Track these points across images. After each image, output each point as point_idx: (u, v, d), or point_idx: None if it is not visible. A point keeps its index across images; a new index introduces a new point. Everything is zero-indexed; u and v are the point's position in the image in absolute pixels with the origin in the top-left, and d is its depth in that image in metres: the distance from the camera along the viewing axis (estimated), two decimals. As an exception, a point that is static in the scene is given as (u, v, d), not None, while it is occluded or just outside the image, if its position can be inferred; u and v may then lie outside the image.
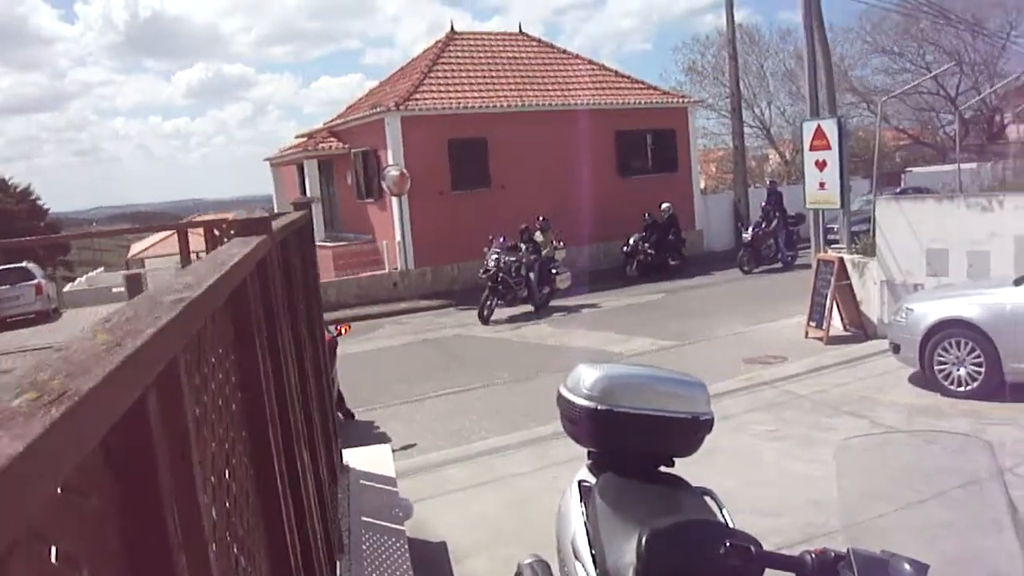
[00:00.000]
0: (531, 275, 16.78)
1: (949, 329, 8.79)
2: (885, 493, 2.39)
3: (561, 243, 17.94)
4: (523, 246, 17.12)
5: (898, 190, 24.38)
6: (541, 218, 18.02)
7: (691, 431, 3.44)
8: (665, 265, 20.77)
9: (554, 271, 17.26)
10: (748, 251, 20.38)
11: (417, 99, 20.34)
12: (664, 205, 21.06)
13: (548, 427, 8.54)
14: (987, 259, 10.73)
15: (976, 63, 38.78)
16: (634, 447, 3.42)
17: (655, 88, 25.26)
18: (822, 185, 12.91)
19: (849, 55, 38.95)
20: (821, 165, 12.86)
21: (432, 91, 20.93)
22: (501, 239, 17.01)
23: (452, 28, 23.71)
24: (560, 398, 3.58)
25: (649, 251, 20.67)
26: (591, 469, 3.49)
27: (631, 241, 20.72)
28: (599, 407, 3.36)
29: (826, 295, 12.21)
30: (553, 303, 17.41)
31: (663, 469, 3.45)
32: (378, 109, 20.12)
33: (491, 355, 13.57)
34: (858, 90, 39.24)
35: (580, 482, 3.41)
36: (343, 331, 9.33)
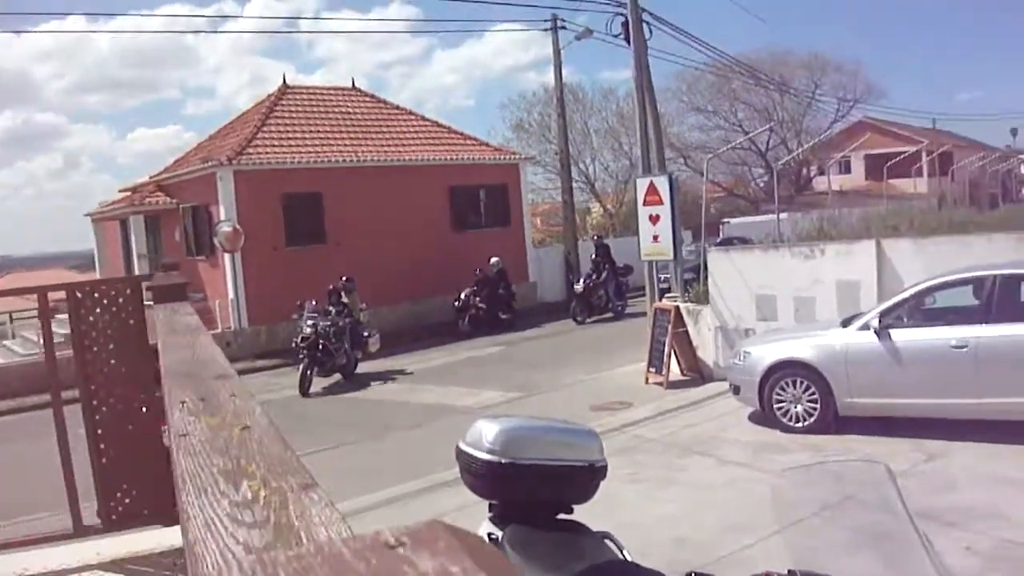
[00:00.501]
0: (345, 341, 15.86)
1: (785, 369, 9.38)
2: (813, 517, 2.56)
3: (364, 304, 17.25)
4: (332, 309, 16.09)
5: (719, 240, 25.84)
6: (345, 278, 17.01)
7: (589, 478, 3.54)
8: (497, 319, 20.97)
9: (365, 334, 16.48)
10: (580, 302, 20.97)
11: (250, 153, 19.93)
12: (493, 260, 21.27)
13: (408, 485, 8.50)
14: (812, 304, 11.53)
15: (784, 120, 42.07)
16: (537, 497, 3.49)
17: (487, 144, 25.84)
18: (656, 238, 13.55)
19: (667, 113, 41.24)
20: (654, 219, 13.51)
21: (266, 145, 20.58)
22: (312, 302, 15.96)
23: (284, 82, 23.47)
24: (460, 453, 3.59)
25: (480, 305, 20.78)
26: (494, 521, 3.52)
27: (462, 296, 20.73)
28: (502, 460, 3.40)
29: (664, 342, 12.75)
30: (380, 366, 16.82)
31: (562, 516, 3.53)
32: (210, 163, 19.55)
33: (337, 415, 13.32)
34: (676, 146, 41.55)
35: (489, 535, 3.43)
36: None
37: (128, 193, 23.94)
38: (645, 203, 13.63)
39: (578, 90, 40.56)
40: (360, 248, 20.55)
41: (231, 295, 19.29)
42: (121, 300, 5.52)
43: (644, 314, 20.86)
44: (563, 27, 24.52)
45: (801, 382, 9.29)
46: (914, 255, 10.88)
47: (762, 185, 42.29)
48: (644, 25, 14.58)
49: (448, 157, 23.36)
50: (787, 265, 11.82)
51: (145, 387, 5.52)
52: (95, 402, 5.04)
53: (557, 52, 24.93)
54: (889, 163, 34.18)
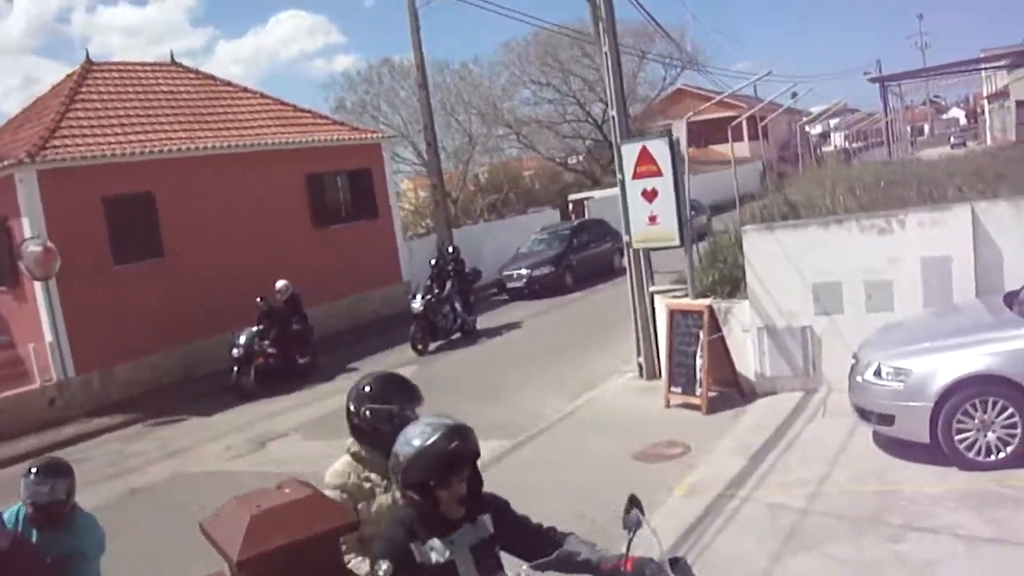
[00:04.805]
0: None
1: (971, 388, 6.79)
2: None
3: None
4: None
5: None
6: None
7: None
8: (294, 365, 15.52)
9: None
10: (421, 325, 16.14)
11: (56, 146, 15.19)
12: (280, 284, 15.69)
13: None
14: (889, 289, 9.16)
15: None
16: None
17: (343, 124, 22.07)
18: (653, 219, 10.67)
19: (499, 87, 38.79)
20: (650, 195, 10.63)
21: (74, 136, 15.83)
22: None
23: (88, 57, 18.51)
24: None
25: (270, 350, 15.19)
26: None
27: (242, 340, 14.93)
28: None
29: (692, 354, 9.92)
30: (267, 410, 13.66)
31: None
32: (4, 162, 14.66)
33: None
34: (508, 122, 39.06)
35: None
36: None
37: None
38: (636, 175, 10.73)
39: (408, 66, 36.94)
40: (207, 258, 16.59)
41: (48, 336, 14.57)
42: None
43: (503, 329, 17.43)
44: (420, -15, 21.11)
45: (995, 403, 6.74)
46: (1015, 220, 8.72)
47: (599, 158, 40.30)
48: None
49: (301, 139, 19.43)
50: (854, 243, 9.34)
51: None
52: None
53: (414, 15, 21.40)
54: (726, 127, 32.34)
